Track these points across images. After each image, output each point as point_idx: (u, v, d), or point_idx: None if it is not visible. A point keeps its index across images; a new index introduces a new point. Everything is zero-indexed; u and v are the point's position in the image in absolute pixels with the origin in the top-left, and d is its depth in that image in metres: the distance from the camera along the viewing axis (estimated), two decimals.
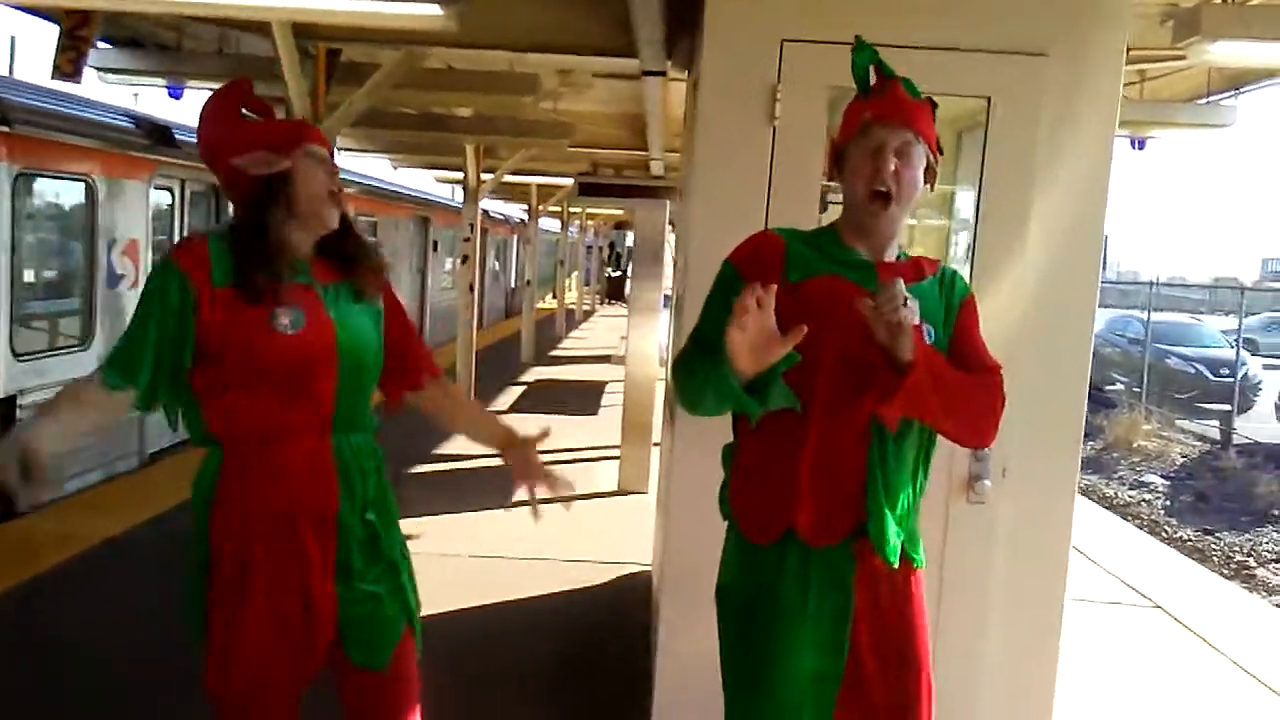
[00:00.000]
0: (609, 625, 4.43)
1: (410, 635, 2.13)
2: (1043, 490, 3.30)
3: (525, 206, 16.38)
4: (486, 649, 4.21)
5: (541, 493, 2.26)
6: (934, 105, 2.08)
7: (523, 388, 12.48)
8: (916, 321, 1.88)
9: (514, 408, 10.83)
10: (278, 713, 2.01)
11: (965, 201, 4.16)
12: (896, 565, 2.00)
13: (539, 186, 14.48)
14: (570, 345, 18.33)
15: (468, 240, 9.25)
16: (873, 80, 2.13)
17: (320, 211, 2.05)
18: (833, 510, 1.98)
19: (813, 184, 3.29)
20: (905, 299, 1.83)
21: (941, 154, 2.08)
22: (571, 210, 18.83)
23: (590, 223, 23.77)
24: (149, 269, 6.69)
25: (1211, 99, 6.03)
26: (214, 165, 2.09)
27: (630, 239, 32.48)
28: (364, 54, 5.32)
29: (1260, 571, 10.28)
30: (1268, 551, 11.09)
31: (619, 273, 32.06)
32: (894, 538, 1.99)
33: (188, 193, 8.46)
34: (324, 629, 2.00)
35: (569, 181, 12.06)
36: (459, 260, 9.40)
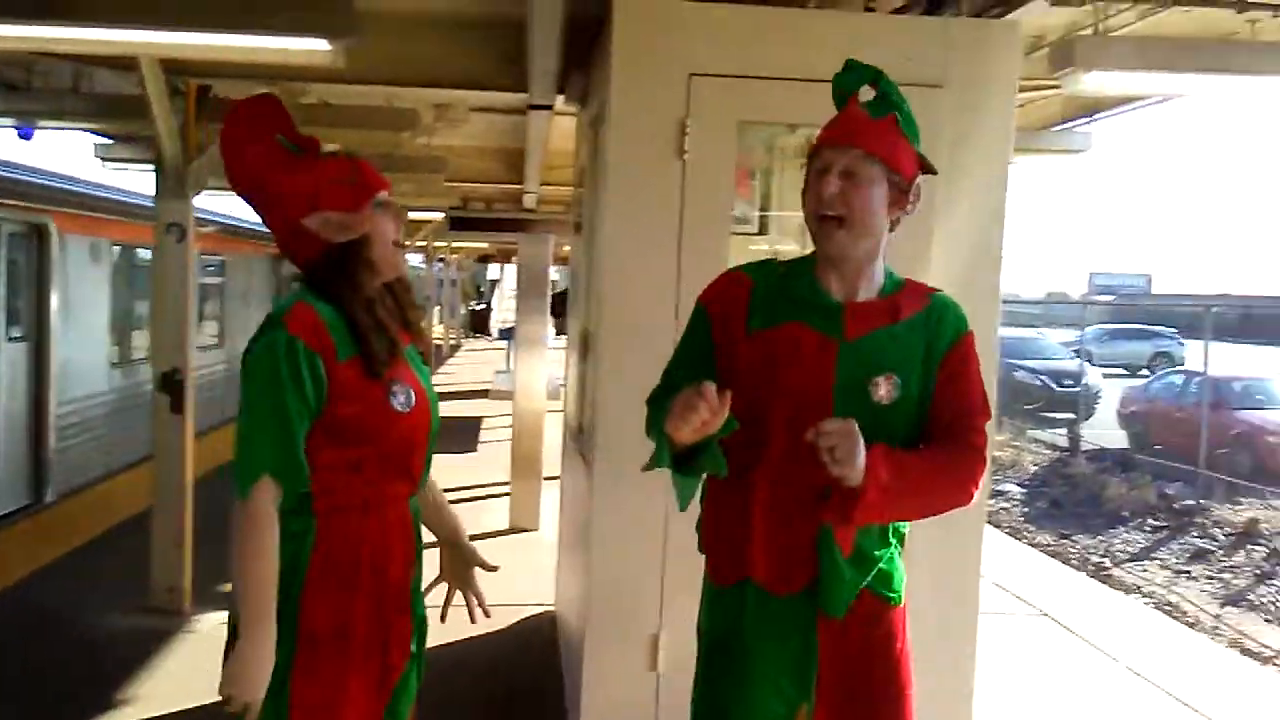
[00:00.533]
0: (518, 669, 4.31)
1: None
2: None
3: None
4: None
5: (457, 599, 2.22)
6: (899, 120, 1.94)
7: None
8: (887, 400, 1.87)
9: None
10: None
11: None
12: (842, 616, 1.92)
13: (407, 222, 14.22)
14: (442, 380, 18.00)
15: None
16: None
17: (393, 263, 1.98)
18: (790, 561, 1.93)
19: (724, 217, 3.32)
20: (842, 448, 1.74)
21: (925, 172, 1.98)
22: (437, 245, 18.52)
23: (454, 256, 23.47)
24: None
25: (1066, 126, 6.35)
26: (267, 216, 1.95)
27: (492, 272, 32.32)
28: (238, 90, 5.10)
29: (1116, 571, 10.81)
30: (1120, 552, 11.69)
31: (483, 306, 31.87)
32: (845, 592, 1.92)
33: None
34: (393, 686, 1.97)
35: (437, 216, 11.88)
36: None
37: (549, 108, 4.85)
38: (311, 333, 1.82)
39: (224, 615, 1.96)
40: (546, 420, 7.20)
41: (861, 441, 1.77)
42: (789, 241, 3.73)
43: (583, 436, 4.03)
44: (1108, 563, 11.18)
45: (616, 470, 3.22)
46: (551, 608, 4.80)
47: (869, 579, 1.95)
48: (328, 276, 1.90)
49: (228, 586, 5.41)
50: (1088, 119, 6.49)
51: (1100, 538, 12.21)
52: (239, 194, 1.98)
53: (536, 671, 4.17)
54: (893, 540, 2.00)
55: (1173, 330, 30.93)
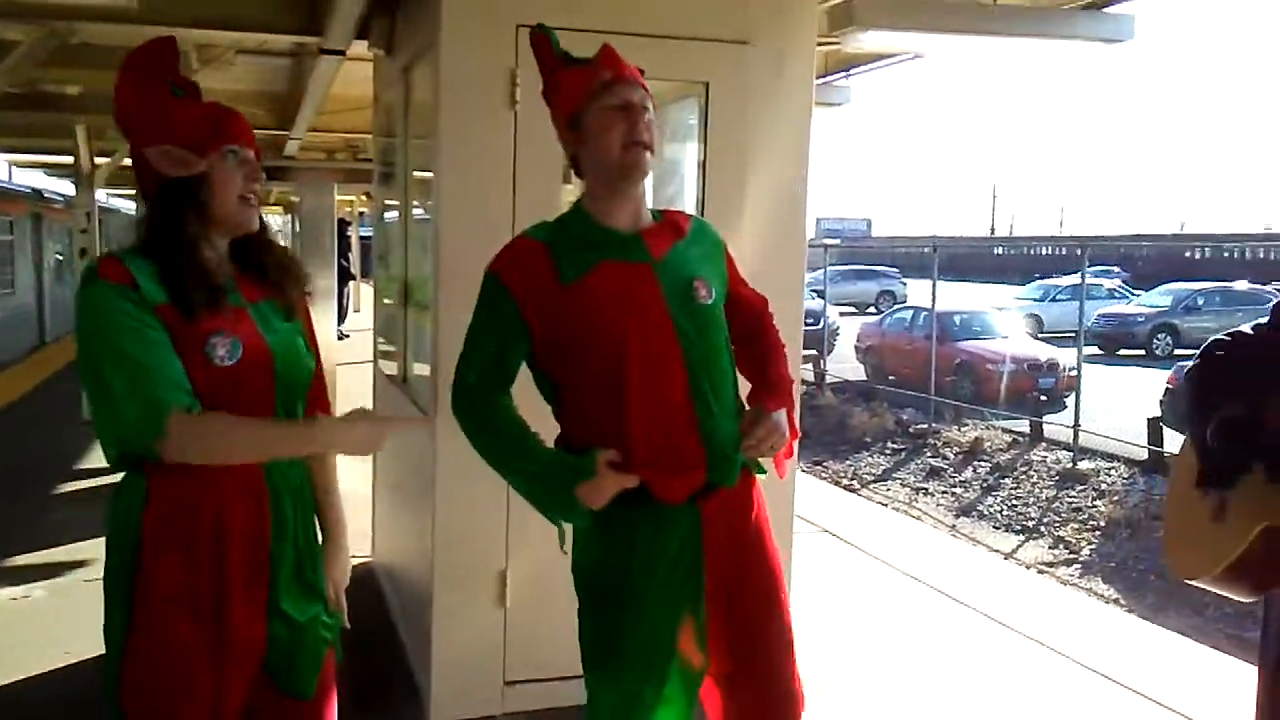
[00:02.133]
0: (350, 627, 4.27)
1: (332, 657, 2.02)
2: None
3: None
4: None
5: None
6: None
7: None
8: (709, 300, 2.07)
9: None
10: None
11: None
12: (733, 484, 2.10)
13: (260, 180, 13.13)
14: None
15: (85, 231, 8.30)
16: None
17: (236, 219, 1.88)
18: (674, 470, 2.05)
19: (557, 167, 3.39)
20: (775, 439, 2.07)
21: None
22: None
23: None
24: None
25: (827, 79, 6.78)
26: (130, 143, 1.87)
27: None
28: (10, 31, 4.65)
29: (864, 491, 11.79)
30: (867, 474, 12.74)
31: None
32: (734, 468, 2.11)
33: None
34: (251, 659, 1.86)
35: None
36: (79, 253, 8.44)
37: (342, 53, 4.73)
38: (116, 273, 1.76)
39: None
40: (339, 372, 7.05)
41: (776, 420, 2.06)
42: None
43: (408, 385, 4.04)
44: (856, 484, 12.16)
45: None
46: (368, 558, 4.79)
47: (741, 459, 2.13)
48: (155, 217, 1.85)
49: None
50: (845, 74, 6.97)
51: (848, 462, 13.23)
52: (118, 126, 1.91)
53: (364, 624, 4.16)
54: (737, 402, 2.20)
55: (895, 270, 33.47)
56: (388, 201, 5.03)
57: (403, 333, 4.09)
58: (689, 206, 3.90)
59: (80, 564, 4.90)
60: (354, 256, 19.66)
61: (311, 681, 1.95)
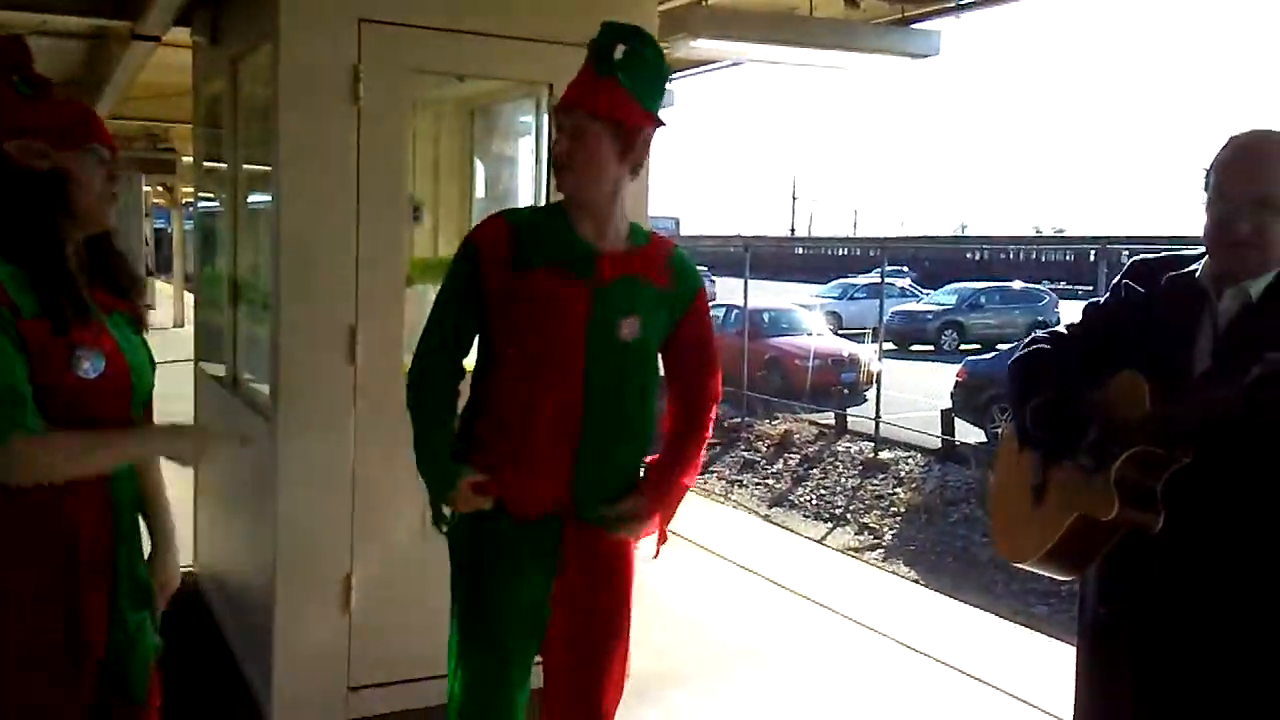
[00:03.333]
0: (175, 636, 4.10)
1: (157, 661, 2.00)
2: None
3: None
4: None
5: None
6: (622, 79, 2.09)
7: None
8: (629, 339, 2.12)
9: None
10: None
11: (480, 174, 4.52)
12: (591, 519, 2.17)
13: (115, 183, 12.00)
14: None
15: None
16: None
17: (97, 217, 1.83)
18: (547, 482, 2.15)
19: (402, 164, 3.38)
20: (637, 529, 2.19)
21: (651, 125, 2.14)
22: None
23: None
24: None
25: None
26: None
27: None
28: None
29: None
30: None
31: None
32: (597, 503, 2.17)
33: None
34: (91, 664, 1.84)
35: None
36: None
37: (158, 39, 4.52)
38: None
39: None
40: None
41: (643, 505, 2.19)
42: None
43: (239, 389, 3.90)
44: None
45: (303, 418, 3.22)
46: (191, 568, 4.59)
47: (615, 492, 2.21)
48: (17, 214, 1.77)
49: None
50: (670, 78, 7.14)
51: None
52: None
53: (188, 633, 4.00)
54: (637, 469, 2.26)
55: (705, 268, 34.26)
56: (205, 195, 4.84)
57: (231, 333, 3.94)
58: (526, 203, 3.94)
59: None
60: (149, 251, 18.56)
61: (143, 685, 1.96)
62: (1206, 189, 1.87)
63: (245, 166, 3.84)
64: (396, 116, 3.31)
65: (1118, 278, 2.05)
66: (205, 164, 4.48)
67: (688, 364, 2.30)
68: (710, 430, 2.33)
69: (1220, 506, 1.79)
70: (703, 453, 2.35)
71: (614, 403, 2.15)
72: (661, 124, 2.19)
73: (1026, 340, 2.14)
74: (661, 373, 2.29)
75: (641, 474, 2.27)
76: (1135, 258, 2.05)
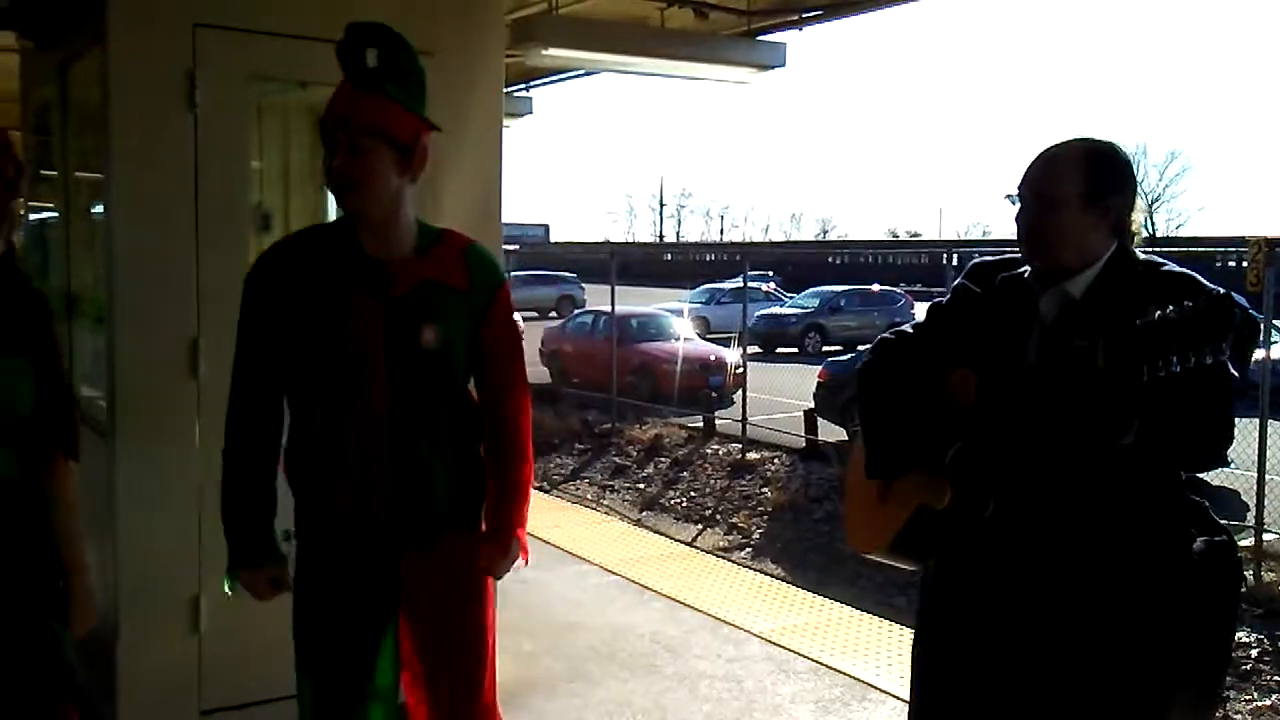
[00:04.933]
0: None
1: None
2: None
3: None
4: None
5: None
6: (391, 91, 2.06)
7: None
8: (433, 344, 2.10)
9: None
10: None
11: None
12: (429, 550, 2.18)
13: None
14: None
15: None
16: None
17: None
18: (373, 497, 2.13)
19: (242, 171, 3.30)
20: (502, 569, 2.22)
21: (425, 131, 2.12)
22: None
23: None
24: None
25: (509, 90, 6.94)
26: None
27: None
28: None
29: (554, 491, 12.05)
30: (557, 474, 13.02)
31: None
32: (430, 526, 2.17)
33: None
34: None
35: None
36: None
37: None
38: None
39: None
40: None
41: (492, 557, 2.21)
42: None
43: (76, 405, 3.72)
44: (547, 485, 12.39)
45: (145, 440, 3.11)
46: None
47: (451, 516, 2.20)
48: None
49: None
50: (525, 86, 7.17)
51: (537, 464, 13.42)
52: None
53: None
54: (470, 479, 2.25)
55: (574, 275, 34.32)
56: (37, 205, 4.62)
57: (67, 348, 3.77)
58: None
59: None
60: None
61: None
62: None
63: (78, 175, 3.69)
64: (236, 122, 3.23)
65: (957, 279, 2.14)
66: (36, 172, 4.27)
67: (492, 375, 2.25)
68: (528, 440, 2.29)
69: (1046, 492, 1.88)
70: (529, 465, 2.31)
71: (423, 412, 2.13)
72: (434, 128, 2.16)
73: (876, 341, 2.22)
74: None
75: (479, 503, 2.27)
76: (974, 260, 2.14)
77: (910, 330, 2.19)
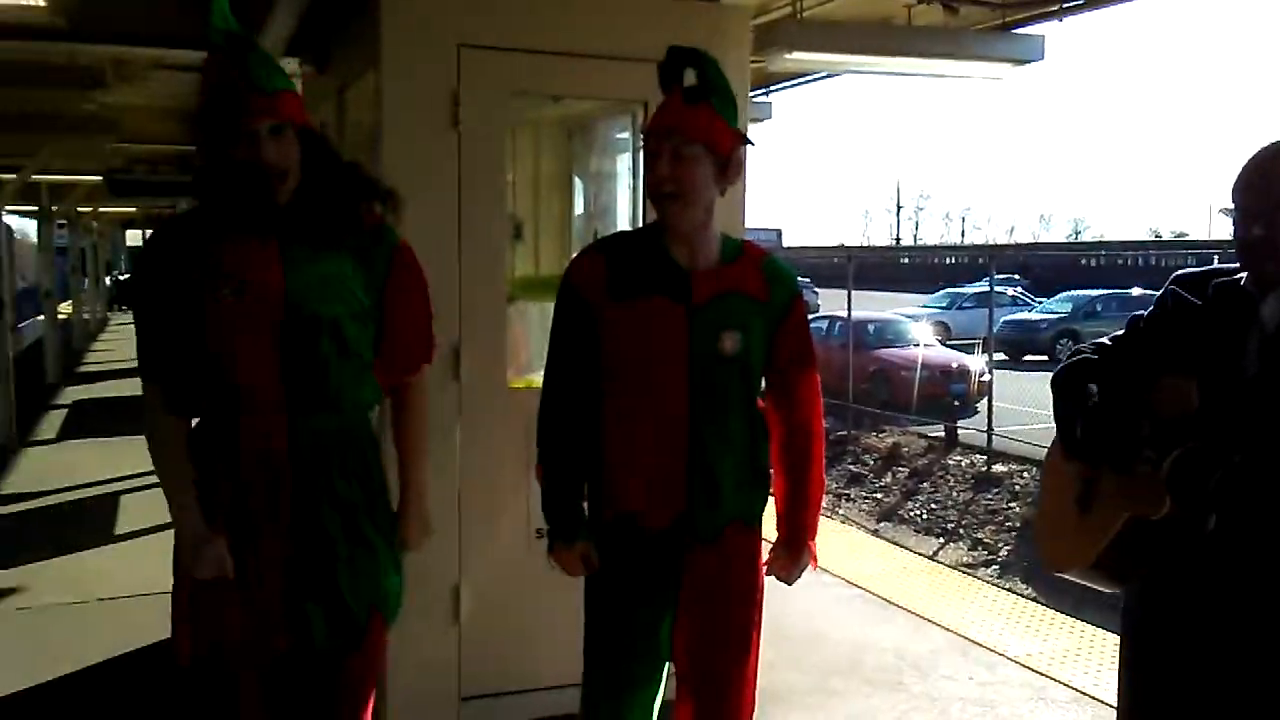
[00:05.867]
0: None
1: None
2: None
3: (35, 207, 14.00)
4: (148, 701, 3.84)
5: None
6: (715, 104, 2.18)
7: (62, 412, 11.07)
8: (732, 350, 2.17)
9: (61, 436, 9.64)
10: None
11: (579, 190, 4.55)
12: (713, 542, 2.24)
13: (51, 185, 12.67)
14: (97, 359, 16.46)
15: None
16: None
17: None
18: (664, 498, 2.22)
19: (501, 186, 3.44)
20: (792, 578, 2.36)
21: (741, 144, 2.22)
22: (80, 210, 16.63)
23: (95, 223, 21.31)
24: None
25: (750, 96, 6.93)
26: None
27: (131, 238, 29.60)
28: None
29: None
30: None
31: (129, 276, 29.26)
32: (715, 522, 2.23)
33: None
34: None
35: (91, 178, 10.90)
36: None
37: None
38: None
39: None
40: None
41: (785, 566, 2.36)
42: None
43: None
44: None
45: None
46: None
47: (735, 512, 2.26)
48: None
49: None
50: (765, 91, 7.13)
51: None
52: None
53: None
54: (755, 479, 2.30)
55: (807, 280, 33.98)
56: None
57: None
58: (623, 220, 3.97)
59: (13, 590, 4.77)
60: None
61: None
62: None
63: None
64: (495, 138, 3.37)
65: (1163, 289, 2.02)
66: None
67: (790, 384, 2.32)
68: (823, 448, 2.36)
69: (1272, 505, 1.74)
70: (823, 474, 2.37)
71: (720, 416, 2.20)
72: (750, 142, 2.25)
73: (1070, 353, 2.12)
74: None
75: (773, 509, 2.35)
76: (1177, 271, 2.03)
77: (1109, 342, 2.07)
